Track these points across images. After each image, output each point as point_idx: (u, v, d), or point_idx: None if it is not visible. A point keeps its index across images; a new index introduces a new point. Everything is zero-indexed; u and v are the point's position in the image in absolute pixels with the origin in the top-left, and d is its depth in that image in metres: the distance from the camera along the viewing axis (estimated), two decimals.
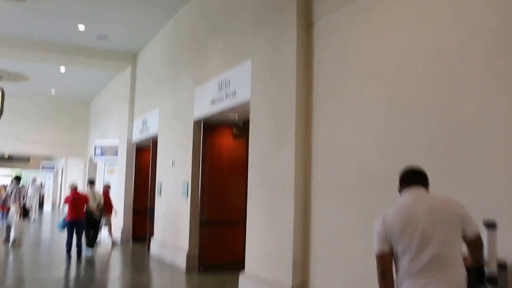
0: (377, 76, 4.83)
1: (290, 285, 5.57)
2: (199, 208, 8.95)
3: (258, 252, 6.39)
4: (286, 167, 5.85)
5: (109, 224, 13.53)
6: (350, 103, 5.14)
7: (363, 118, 4.94)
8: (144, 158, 13.60)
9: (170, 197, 10.47)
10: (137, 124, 13.75)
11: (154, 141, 12.09)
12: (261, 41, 6.70)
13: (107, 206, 12.88)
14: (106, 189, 13.37)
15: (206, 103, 8.93)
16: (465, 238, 2.96)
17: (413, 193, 3.03)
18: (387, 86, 4.69)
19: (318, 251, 5.45)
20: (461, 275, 2.89)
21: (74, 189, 10.69)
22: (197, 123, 9.44)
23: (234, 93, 7.86)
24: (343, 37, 5.35)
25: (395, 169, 4.42)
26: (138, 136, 13.64)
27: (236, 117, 9.11)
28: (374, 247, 2.95)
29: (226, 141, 9.33)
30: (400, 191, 3.14)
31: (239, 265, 8.88)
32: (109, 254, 12.16)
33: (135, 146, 13.83)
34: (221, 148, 9.27)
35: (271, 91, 6.33)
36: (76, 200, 10.30)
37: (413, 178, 3.10)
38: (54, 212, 27.06)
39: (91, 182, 12.25)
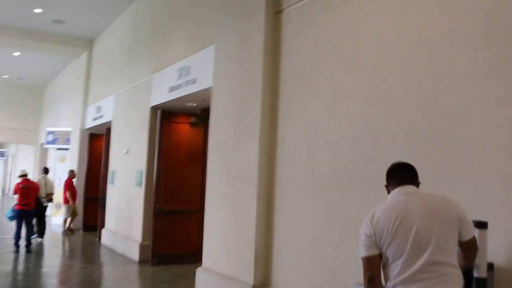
0: (353, 67, 4.33)
1: (252, 281, 5.02)
2: (153, 197, 8.24)
3: (217, 246, 5.80)
4: (249, 157, 5.28)
5: (72, 215, 12.33)
6: (322, 94, 4.63)
7: (336, 110, 4.44)
8: (97, 145, 12.71)
9: (124, 186, 9.70)
10: (91, 111, 12.82)
11: (108, 129, 11.24)
12: (226, 28, 6.09)
13: (72, 195, 11.93)
14: (71, 176, 12.30)
15: (164, 90, 8.23)
16: (460, 241, 2.54)
17: (405, 191, 2.59)
18: (363, 77, 4.20)
19: (282, 247, 4.93)
20: (459, 281, 2.45)
21: (24, 176, 9.70)
22: (153, 111, 8.72)
23: (194, 81, 7.21)
24: (315, 25, 4.82)
25: (371, 165, 3.99)
26: (91, 123, 12.73)
27: (195, 106, 8.46)
28: (360, 250, 2.51)
29: (183, 129, 8.65)
30: (388, 188, 2.69)
31: (194, 256, 8.33)
32: (60, 244, 11.24)
33: (88, 133, 12.88)
34: (178, 136, 8.59)
35: (235, 79, 5.74)
36: (26, 188, 9.33)
37: (404, 174, 2.65)
38: (3, 200, 25.37)
39: (45, 170, 11.22)
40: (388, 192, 2.67)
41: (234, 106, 5.71)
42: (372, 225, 2.50)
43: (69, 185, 12.14)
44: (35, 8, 11.02)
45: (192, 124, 8.71)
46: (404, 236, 2.43)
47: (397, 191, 2.61)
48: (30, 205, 9.32)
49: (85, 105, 13.34)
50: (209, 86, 6.61)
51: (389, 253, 2.46)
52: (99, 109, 12.14)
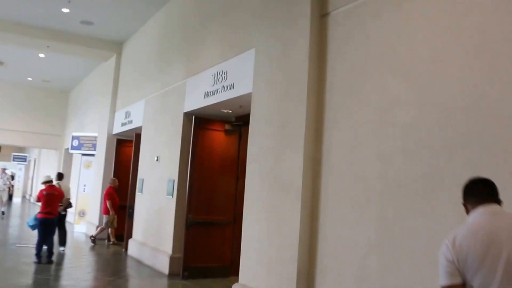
0: (406, 73, 4.32)
1: None
2: (185, 208, 8.34)
3: (255, 261, 5.83)
4: (293, 167, 5.31)
5: (111, 225, 12.36)
6: (372, 102, 4.63)
7: (388, 119, 4.43)
8: (125, 152, 12.94)
9: (153, 195, 9.84)
10: (119, 116, 13.07)
11: (138, 135, 11.44)
12: (267, 32, 6.15)
13: (113, 204, 12.08)
14: (113, 184, 12.27)
15: (199, 95, 8.34)
16: None
17: (489, 211, 2.45)
18: (418, 84, 4.19)
19: (326, 264, 4.92)
20: None
21: (49, 183, 9.92)
22: (187, 117, 8.85)
23: (232, 86, 7.29)
24: (365, 29, 4.83)
25: (426, 178, 3.96)
26: (119, 129, 12.97)
27: (230, 112, 8.55)
28: (440, 277, 2.39)
29: (217, 137, 8.75)
30: (467, 207, 2.57)
31: (227, 270, 8.40)
32: (85, 255, 11.45)
33: (115, 139, 13.12)
34: (212, 144, 8.68)
35: (278, 84, 5.79)
36: (50, 195, 9.53)
37: (485, 191, 2.53)
38: (24, 205, 26.03)
39: (60, 176, 11.08)
40: (467, 211, 2.56)
41: (276, 113, 5.76)
42: (455, 250, 2.37)
43: (109, 194, 12.13)
44: (62, 8, 11.29)
45: (227, 132, 8.80)
46: (493, 263, 2.29)
47: (480, 211, 2.47)
48: (54, 213, 9.49)
49: (112, 110, 13.61)
50: (248, 92, 6.68)
51: (475, 283, 2.32)
52: (127, 114, 12.37)
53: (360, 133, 4.74)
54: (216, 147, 8.70)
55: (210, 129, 8.65)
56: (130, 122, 12.07)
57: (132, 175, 11.36)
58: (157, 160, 9.81)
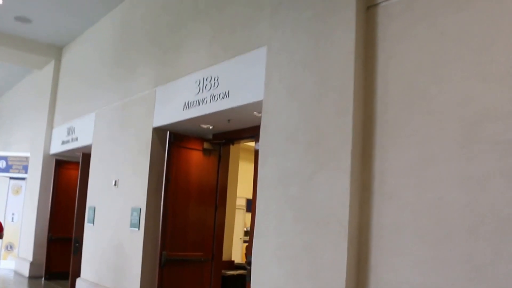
0: (497, 76, 3.50)
1: None
2: (157, 242, 7.07)
3: None
4: (334, 195, 4.31)
5: None
6: (448, 113, 3.76)
7: (477, 135, 3.57)
8: (66, 175, 11.45)
9: (110, 226, 8.46)
10: (59, 133, 11.52)
11: (86, 155, 10.02)
12: (288, 26, 5.13)
13: None
14: None
15: (176, 107, 7.19)
16: None
17: None
18: (509, 90, 3.38)
19: None
20: None
21: None
22: (158, 133, 7.65)
23: (226, 94, 6.22)
24: (433, 22, 3.98)
25: None
26: (59, 147, 11.42)
27: (211, 128, 7.45)
28: None
29: (195, 157, 7.59)
30: None
31: None
32: None
33: (54, 160, 11.52)
34: (189, 166, 7.51)
35: (305, 91, 4.79)
36: None
37: None
38: None
39: None
40: None
41: (303, 127, 4.75)
42: None
43: None
44: None
45: (205, 152, 7.67)
46: None
47: None
48: None
49: (50, 126, 12.03)
50: (252, 101, 5.70)
51: None
52: (70, 130, 10.89)
53: (431, 152, 3.84)
54: (193, 170, 7.54)
55: (186, 147, 7.49)
56: (75, 139, 10.60)
57: (78, 203, 9.88)
58: (115, 184, 8.47)
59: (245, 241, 11.69)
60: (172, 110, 7.29)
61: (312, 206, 4.52)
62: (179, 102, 7.11)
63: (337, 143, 4.38)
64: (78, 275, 9.40)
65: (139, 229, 7.57)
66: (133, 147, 8.09)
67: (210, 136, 7.86)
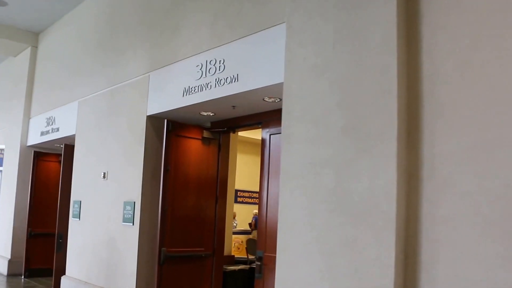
0: None
1: None
2: (155, 238, 6.41)
3: None
4: (377, 185, 3.76)
5: None
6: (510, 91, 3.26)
7: None
8: (46, 168, 10.61)
9: (99, 221, 7.74)
10: (37, 124, 10.64)
11: (69, 146, 9.23)
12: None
13: None
14: None
15: (174, 93, 6.52)
16: None
17: None
18: None
19: None
20: None
21: None
22: (153, 121, 6.97)
23: (235, 78, 5.61)
24: None
25: None
26: (38, 139, 10.54)
27: (212, 115, 6.82)
28: None
29: (194, 147, 6.94)
30: None
31: None
32: None
33: (32, 152, 10.62)
34: (189, 156, 6.86)
35: (338, 70, 4.21)
36: None
37: None
38: None
39: None
40: None
41: (336, 110, 4.18)
42: None
43: None
44: None
45: (205, 141, 7.03)
46: None
47: None
48: None
49: (27, 116, 11.11)
50: (263, 85, 5.11)
51: None
52: (50, 120, 10.04)
53: (495, 135, 3.34)
54: (192, 160, 6.89)
55: (185, 136, 6.83)
56: (56, 130, 9.77)
57: (61, 197, 9.08)
58: (104, 177, 7.73)
59: (234, 233, 11.06)
60: (169, 97, 6.62)
61: (350, 197, 3.96)
62: (178, 88, 6.45)
63: (379, 126, 3.82)
64: (63, 272, 8.62)
65: (133, 224, 6.89)
66: (125, 137, 7.37)
67: (208, 124, 7.23)
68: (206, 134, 7.03)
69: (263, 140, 6.50)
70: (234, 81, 5.61)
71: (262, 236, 6.25)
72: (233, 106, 6.29)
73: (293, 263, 4.34)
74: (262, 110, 6.34)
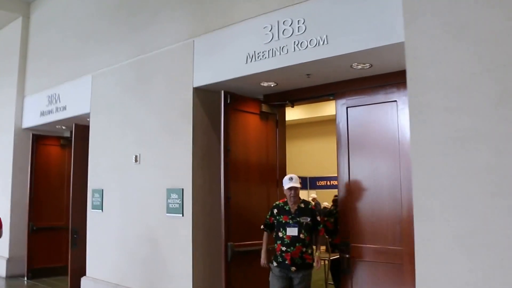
0: None
1: None
2: (222, 232, 5.58)
3: None
4: None
5: None
6: None
7: None
8: (46, 152, 9.58)
9: (132, 213, 6.87)
10: (35, 103, 9.59)
11: (81, 127, 8.25)
12: None
13: None
14: None
15: (233, 60, 5.68)
16: None
17: None
18: None
19: None
20: None
21: None
22: (200, 94, 6.16)
23: (322, 40, 4.82)
24: None
25: None
26: (37, 120, 9.48)
27: (273, 86, 6.02)
28: None
29: (252, 122, 6.13)
30: None
31: None
32: None
33: (30, 134, 9.55)
34: (248, 134, 6.06)
35: (484, 31, 3.50)
36: None
37: None
38: None
39: None
40: None
41: (489, 75, 3.46)
42: None
43: None
44: None
45: (263, 116, 6.23)
46: None
47: None
48: None
49: (20, 95, 9.99)
50: (357, 49, 4.51)
51: None
52: (53, 98, 9.01)
53: None
54: (252, 139, 6.10)
55: (244, 111, 6.01)
56: (61, 109, 8.76)
57: (74, 185, 8.11)
58: (136, 161, 6.83)
59: None
60: (225, 65, 5.79)
61: None
62: (239, 54, 5.62)
63: None
64: (81, 272, 7.71)
65: (183, 215, 6.05)
66: (164, 114, 6.49)
67: (261, 97, 6.44)
68: (264, 108, 6.23)
69: (337, 114, 5.76)
70: (321, 44, 4.83)
71: (345, 224, 5.56)
72: (308, 75, 5.51)
73: (441, 258, 3.65)
74: (339, 79, 5.60)
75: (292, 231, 5.02)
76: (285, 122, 6.62)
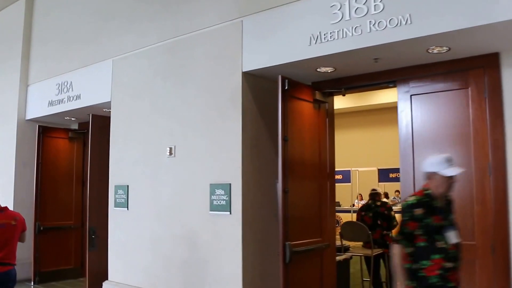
0: None
1: None
2: (280, 230, 5.18)
3: None
4: None
5: None
6: None
7: None
8: (54, 146, 9.08)
9: (167, 211, 6.44)
10: (41, 92, 9.07)
11: (98, 117, 7.78)
12: None
13: None
14: None
15: (292, 42, 5.31)
16: None
17: None
18: None
19: None
20: None
21: None
22: (249, 80, 5.77)
23: (405, 20, 4.48)
24: None
25: None
26: (44, 110, 8.97)
27: (331, 71, 5.66)
28: None
29: (306, 112, 5.79)
30: None
31: None
32: None
33: (36, 127, 9.01)
34: (302, 124, 5.70)
35: None
36: (5, 229, 5.47)
37: None
38: None
39: None
40: None
41: None
42: None
43: None
44: None
45: (315, 104, 5.87)
46: None
47: None
48: (11, 261, 5.62)
49: (24, 83, 9.44)
50: (442, 30, 4.22)
51: None
52: (63, 87, 8.52)
53: None
54: (306, 129, 5.76)
55: (299, 98, 5.64)
56: (75, 98, 8.26)
57: (91, 181, 7.67)
58: (170, 153, 6.41)
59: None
60: (281, 48, 5.44)
61: None
62: (300, 36, 5.27)
63: None
64: (102, 277, 7.25)
65: (230, 213, 5.65)
66: (206, 102, 6.09)
67: (309, 84, 6.10)
68: (318, 95, 5.88)
69: (399, 103, 5.47)
70: (403, 24, 4.53)
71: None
72: (376, 59, 5.18)
73: None
74: (406, 64, 5.32)
75: (454, 237, 3.58)
76: (333, 111, 6.30)
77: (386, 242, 7.22)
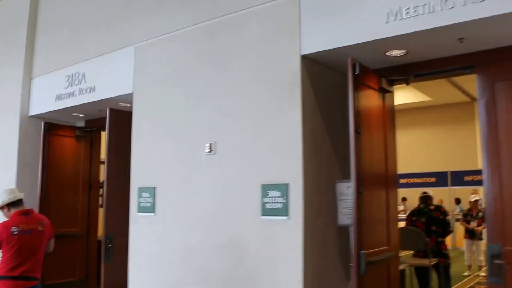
0: None
1: None
2: (353, 237, 4.54)
3: None
4: None
5: None
6: None
7: None
8: (60, 145, 8.36)
9: (205, 216, 5.73)
10: (49, 85, 8.33)
11: (116, 112, 7.10)
12: None
13: None
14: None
15: (365, 17, 4.73)
16: None
17: None
18: None
19: None
20: None
21: (17, 206, 5.05)
22: (307, 65, 5.14)
23: None
24: None
25: None
26: (51, 105, 8.22)
27: (404, 54, 5.07)
28: None
29: (374, 103, 5.18)
30: None
31: None
32: None
33: (42, 124, 8.26)
34: (371, 114, 5.10)
35: None
36: (29, 235, 4.76)
37: None
38: None
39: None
40: None
41: None
42: None
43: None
44: None
45: (381, 93, 5.27)
46: None
47: None
48: (36, 275, 4.90)
49: (28, 76, 8.68)
50: None
51: None
52: (75, 79, 7.78)
53: None
54: (373, 120, 5.14)
55: (367, 85, 5.04)
56: (88, 90, 7.54)
57: (108, 184, 6.97)
58: (210, 151, 5.73)
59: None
60: (351, 26, 4.83)
61: None
62: (374, 12, 4.68)
63: None
64: None
65: (288, 217, 4.98)
66: (256, 91, 5.43)
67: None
68: (384, 83, 5.28)
69: (480, 93, 4.89)
70: None
71: (497, 224, 4.69)
72: (460, 39, 4.59)
73: None
74: (489, 46, 4.74)
75: None
76: (394, 104, 5.71)
77: (441, 250, 6.64)
